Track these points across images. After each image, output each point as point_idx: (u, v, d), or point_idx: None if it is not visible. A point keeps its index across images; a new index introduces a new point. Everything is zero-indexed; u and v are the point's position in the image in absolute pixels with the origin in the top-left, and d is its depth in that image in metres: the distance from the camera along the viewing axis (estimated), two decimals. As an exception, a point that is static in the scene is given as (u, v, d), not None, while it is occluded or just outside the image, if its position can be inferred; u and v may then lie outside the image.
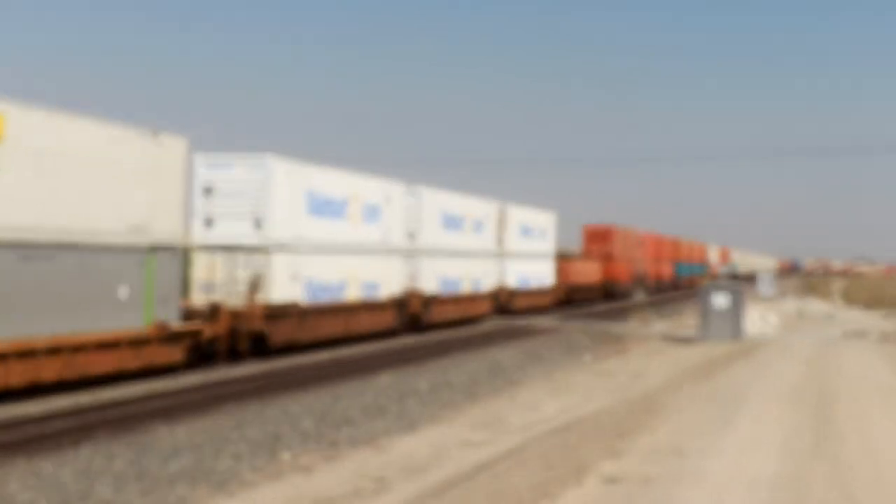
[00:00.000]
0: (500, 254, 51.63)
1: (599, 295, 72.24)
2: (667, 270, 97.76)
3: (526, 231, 55.84)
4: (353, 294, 35.13)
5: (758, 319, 53.66)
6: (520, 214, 54.93)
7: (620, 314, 56.06)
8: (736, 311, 36.48)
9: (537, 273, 58.09)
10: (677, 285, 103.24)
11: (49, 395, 21.71)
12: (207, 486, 14.43)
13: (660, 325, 47.47)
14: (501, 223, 51.54)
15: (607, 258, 74.84)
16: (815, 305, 70.31)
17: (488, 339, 39.02)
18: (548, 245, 60.56)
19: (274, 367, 28.38)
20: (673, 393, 22.70)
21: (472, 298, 47.02)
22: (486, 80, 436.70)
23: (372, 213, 36.64)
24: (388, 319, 37.79)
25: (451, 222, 44.70)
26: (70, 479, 14.54)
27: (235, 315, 28.67)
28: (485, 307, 48.68)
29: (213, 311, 28.12)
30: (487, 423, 19.87)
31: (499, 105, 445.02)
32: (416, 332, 40.30)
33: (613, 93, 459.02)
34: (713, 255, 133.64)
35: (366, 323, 35.94)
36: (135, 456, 16.07)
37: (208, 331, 27.23)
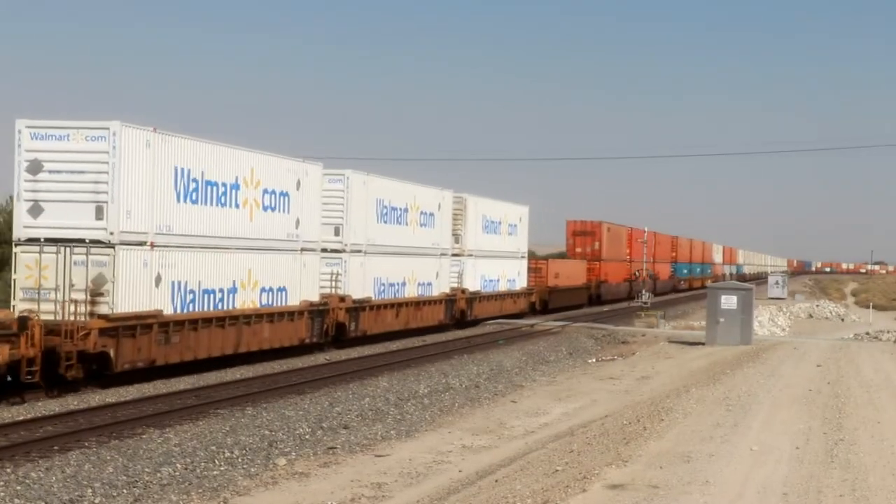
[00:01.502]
0: (459, 252, 45.09)
1: (584, 299, 65.84)
2: (663, 271, 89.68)
3: (491, 226, 48.94)
4: (248, 301, 28.42)
5: (767, 321, 53.33)
6: (483, 207, 47.93)
7: (625, 317, 55.34)
8: (745, 313, 35.98)
9: (506, 274, 50.93)
10: (676, 287, 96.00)
11: (35, 398, 21.29)
12: (200, 493, 14.06)
13: (666, 328, 46.99)
14: (459, 216, 45.05)
15: (594, 257, 68.49)
16: (827, 307, 69.84)
17: (489, 341, 38.64)
18: (519, 242, 53.35)
19: (269, 369, 27.95)
20: (680, 397, 22.26)
21: (420, 304, 40.10)
22: (474, 78, 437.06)
23: (277, 200, 30.00)
24: (299, 331, 30.93)
25: (392, 214, 37.97)
26: (59, 487, 14.18)
27: (56, 331, 21.81)
28: (436, 314, 41.89)
29: (21, 327, 21.07)
30: (489, 428, 19.47)
31: (494, 102, 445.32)
32: (341, 347, 33.97)
33: (616, 90, 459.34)
34: (717, 255, 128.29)
35: (268, 336, 29.19)
36: (125, 462, 15.74)
37: (6, 353, 20.43)
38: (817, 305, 71.06)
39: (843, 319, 63.44)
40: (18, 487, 14.10)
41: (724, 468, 14.57)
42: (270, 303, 29.58)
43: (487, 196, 49.49)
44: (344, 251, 34.56)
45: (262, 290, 29.19)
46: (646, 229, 78.78)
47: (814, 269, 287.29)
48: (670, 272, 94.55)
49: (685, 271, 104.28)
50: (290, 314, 30.36)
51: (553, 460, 15.48)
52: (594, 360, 33.49)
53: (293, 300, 30.73)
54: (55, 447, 16.70)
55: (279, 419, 19.78)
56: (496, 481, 14.32)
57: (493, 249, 49.20)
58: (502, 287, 50.41)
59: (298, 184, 31.03)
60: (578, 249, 69.04)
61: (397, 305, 38.08)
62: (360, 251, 35.46)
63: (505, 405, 22.63)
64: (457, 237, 44.99)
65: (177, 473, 15.19)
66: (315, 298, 31.93)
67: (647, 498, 12.77)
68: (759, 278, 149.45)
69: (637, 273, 76.04)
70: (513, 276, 52.12)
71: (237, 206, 27.97)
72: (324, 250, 33.25)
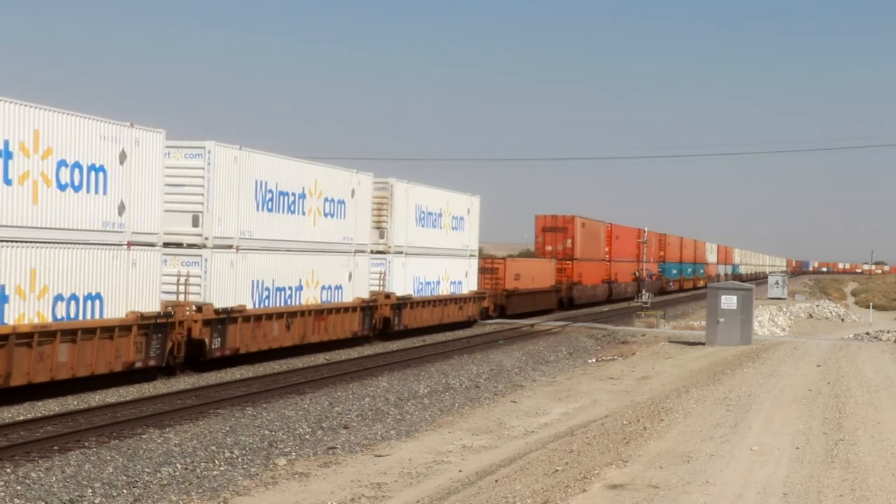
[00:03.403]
0: (383, 249, 37.76)
1: (552, 303, 58.09)
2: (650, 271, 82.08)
3: (428, 218, 41.25)
4: (31, 314, 20.81)
5: (767, 321, 53.29)
6: (417, 195, 40.12)
7: (625, 317, 55.28)
8: (745, 313, 36.00)
9: (449, 276, 43.26)
10: (664, 289, 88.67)
11: (36, 399, 21.27)
12: (200, 493, 14.07)
13: (666, 328, 47.00)
14: (385, 206, 37.92)
15: (566, 256, 61.18)
16: (827, 307, 69.77)
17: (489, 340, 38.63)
18: (466, 238, 45.51)
19: (268, 370, 27.93)
20: (680, 397, 22.26)
21: (324, 312, 32.20)
22: (474, 78, 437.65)
23: (85, 177, 22.40)
24: (125, 353, 23.27)
25: (280, 201, 30.30)
26: (59, 487, 14.20)
27: None
28: (349, 325, 33.95)
29: None
30: (489, 428, 19.47)
31: (494, 102, 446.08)
32: (199, 369, 26.67)
33: (615, 90, 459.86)
34: (711, 255, 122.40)
35: (67, 362, 21.58)
36: (126, 462, 15.74)
37: None
38: (817, 305, 70.93)
39: (843, 319, 63.34)
40: (18, 487, 14.11)
41: (724, 468, 14.56)
42: (74, 315, 21.97)
43: (424, 183, 41.68)
44: (205, 246, 27.12)
45: (58, 298, 21.55)
46: (645, 229, 78.28)
47: (811, 269, 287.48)
48: (658, 272, 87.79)
49: (675, 272, 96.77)
50: (107, 330, 22.66)
51: (553, 460, 15.47)
52: (594, 360, 33.49)
53: (114, 311, 23.06)
54: (55, 447, 16.70)
55: (279, 419, 19.78)
56: (496, 481, 14.32)
57: (430, 246, 41.30)
58: (443, 291, 42.54)
59: (123, 156, 23.35)
60: (549, 247, 61.53)
61: (289, 315, 30.09)
62: (230, 246, 27.94)
63: (505, 405, 22.63)
64: (381, 231, 37.77)
65: (177, 473, 15.21)
66: (153, 308, 24.26)
67: (647, 498, 12.76)
68: (757, 278, 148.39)
69: (637, 273, 75.94)
70: (458, 277, 44.30)
71: (8, 182, 20.38)
72: (173, 245, 26.58)
